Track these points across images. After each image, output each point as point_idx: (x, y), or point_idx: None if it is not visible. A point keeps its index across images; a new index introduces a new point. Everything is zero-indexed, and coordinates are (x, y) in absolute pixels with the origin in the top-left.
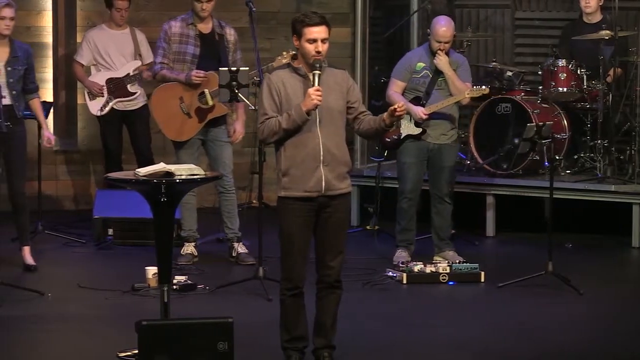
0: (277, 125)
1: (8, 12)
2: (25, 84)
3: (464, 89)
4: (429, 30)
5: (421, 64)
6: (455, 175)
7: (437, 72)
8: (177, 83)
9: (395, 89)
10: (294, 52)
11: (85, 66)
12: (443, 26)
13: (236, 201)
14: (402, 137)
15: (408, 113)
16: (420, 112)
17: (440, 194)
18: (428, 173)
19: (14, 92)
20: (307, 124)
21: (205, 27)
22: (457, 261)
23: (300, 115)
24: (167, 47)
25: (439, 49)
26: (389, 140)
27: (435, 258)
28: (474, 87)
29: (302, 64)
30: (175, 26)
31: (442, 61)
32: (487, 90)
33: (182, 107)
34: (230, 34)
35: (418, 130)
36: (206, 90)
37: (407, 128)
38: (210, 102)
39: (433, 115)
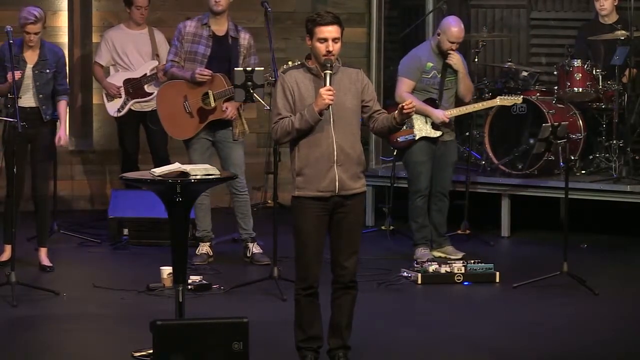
0: (290, 125)
1: (32, 29)
2: (55, 85)
3: (471, 87)
4: (439, 30)
5: (430, 64)
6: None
7: (444, 73)
8: (183, 81)
9: (405, 89)
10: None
11: (104, 67)
12: (456, 27)
13: (249, 202)
14: (416, 138)
15: (424, 115)
16: (442, 115)
17: (443, 191)
18: (433, 170)
19: (40, 96)
20: (320, 123)
21: (220, 29)
22: (458, 255)
23: (312, 115)
24: (180, 45)
25: (451, 49)
26: (401, 141)
27: (433, 254)
28: (508, 95)
29: (316, 63)
30: (190, 26)
31: (457, 60)
32: (520, 100)
33: (186, 106)
34: (245, 38)
35: (437, 133)
36: (210, 91)
37: (423, 130)
38: (213, 104)
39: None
